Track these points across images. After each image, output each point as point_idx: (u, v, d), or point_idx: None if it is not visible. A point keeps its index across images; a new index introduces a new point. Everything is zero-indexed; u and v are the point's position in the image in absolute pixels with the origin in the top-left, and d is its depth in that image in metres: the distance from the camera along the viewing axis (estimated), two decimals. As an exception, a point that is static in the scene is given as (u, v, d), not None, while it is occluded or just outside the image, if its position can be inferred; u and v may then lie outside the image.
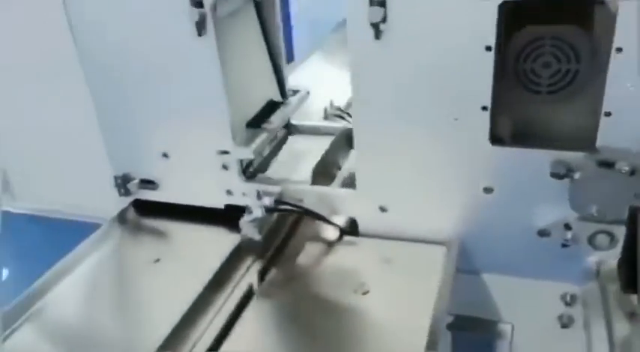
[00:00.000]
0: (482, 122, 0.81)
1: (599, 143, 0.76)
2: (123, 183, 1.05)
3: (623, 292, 0.78)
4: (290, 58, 1.76)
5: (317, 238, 0.97)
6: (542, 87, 0.80)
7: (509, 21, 0.76)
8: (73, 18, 0.94)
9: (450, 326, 0.95)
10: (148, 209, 1.08)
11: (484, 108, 0.80)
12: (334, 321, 0.80)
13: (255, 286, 0.88)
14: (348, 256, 0.93)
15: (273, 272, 0.92)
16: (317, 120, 1.23)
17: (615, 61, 0.71)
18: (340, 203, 0.95)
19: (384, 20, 0.78)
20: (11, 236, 1.00)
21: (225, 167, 0.98)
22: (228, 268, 0.92)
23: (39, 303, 0.87)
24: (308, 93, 1.15)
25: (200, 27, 0.87)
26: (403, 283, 0.86)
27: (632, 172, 0.74)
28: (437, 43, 0.78)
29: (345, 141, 1.13)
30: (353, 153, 1.14)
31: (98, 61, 0.97)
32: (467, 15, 0.75)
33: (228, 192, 1.00)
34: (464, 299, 0.91)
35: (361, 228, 0.95)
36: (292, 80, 1.15)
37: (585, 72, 0.78)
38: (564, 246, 0.84)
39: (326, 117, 1.23)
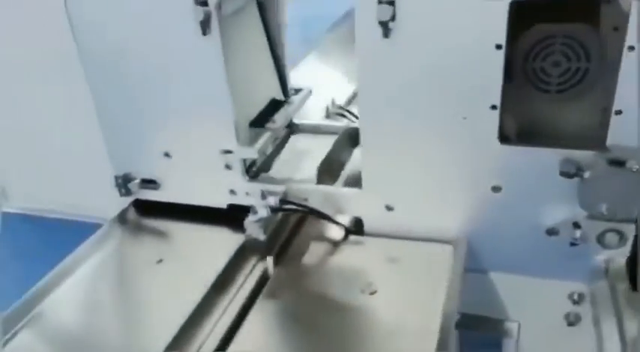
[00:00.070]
0: (492, 121, 0.80)
1: (609, 141, 0.76)
2: (124, 183, 1.03)
3: (632, 290, 0.78)
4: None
5: (322, 238, 0.96)
6: (551, 86, 0.80)
7: (515, 19, 0.76)
8: (73, 17, 0.93)
9: (456, 325, 0.95)
10: (148, 209, 1.07)
11: (493, 107, 0.79)
12: (342, 322, 0.80)
13: (271, 269, 0.87)
14: (354, 256, 0.92)
15: (278, 272, 0.91)
16: (316, 119, 1.22)
17: (627, 60, 0.71)
18: (346, 202, 0.94)
19: (392, 18, 0.77)
20: (6, 236, 0.99)
21: (228, 166, 0.97)
22: (232, 268, 0.91)
23: (40, 306, 0.85)
24: (310, 91, 1.14)
25: (205, 26, 0.86)
26: (411, 283, 0.85)
27: (643, 171, 0.74)
28: (446, 41, 0.77)
29: (348, 139, 1.12)
30: (356, 151, 1.14)
31: (99, 60, 0.95)
32: (477, 13, 0.74)
33: (232, 192, 0.99)
34: (470, 297, 0.90)
35: (367, 227, 0.95)
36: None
37: (594, 70, 0.77)
38: (573, 244, 0.84)
39: (328, 115, 1.22)
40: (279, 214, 0.96)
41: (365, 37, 0.80)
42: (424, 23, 0.77)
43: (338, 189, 0.98)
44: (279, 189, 0.96)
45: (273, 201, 0.92)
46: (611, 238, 0.81)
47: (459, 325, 0.94)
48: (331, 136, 1.12)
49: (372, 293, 0.83)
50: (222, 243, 0.98)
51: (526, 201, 0.84)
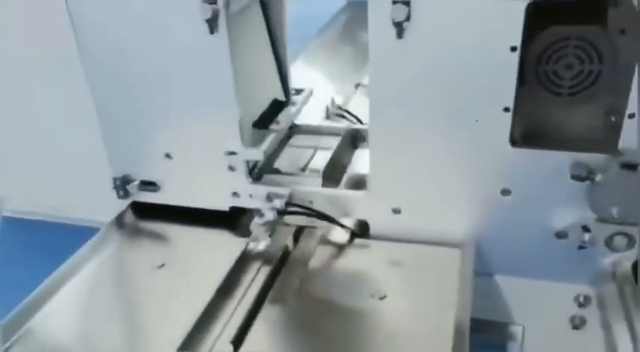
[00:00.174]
0: (504, 123, 0.80)
1: (621, 145, 0.77)
2: (122, 185, 1.01)
3: None
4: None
5: (326, 241, 0.95)
6: (563, 88, 0.80)
7: (528, 22, 0.76)
8: (74, 16, 0.90)
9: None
10: (145, 211, 1.04)
11: (506, 109, 0.79)
12: (354, 327, 0.79)
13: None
14: (361, 259, 0.91)
15: (283, 277, 0.89)
16: (315, 120, 1.21)
17: None
18: (351, 205, 0.93)
19: (407, 19, 0.76)
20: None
21: (231, 168, 0.95)
22: (236, 272, 0.90)
23: (39, 314, 0.83)
24: (311, 92, 1.13)
25: (212, 24, 0.84)
26: (420, 287, 0.84)
27: (656, 174, 0.75)
28: (460, 42, 0.77)
29: (350, 141, 1.11)
30: (357, 153, 1.13)
31: (100, 59, 0.93)
32: (493, 14, 0.74)
33: (234, 194, 0.97)
34: (475, 300, 0.90)
35: (372, 230, 0.94)
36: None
37: (607, 73, 0.78)
38: (581, 247, 0.84)
39: (328, 116, 1.21)
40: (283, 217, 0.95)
41: (378, 38, 0.79)
42: (439, 24, 0.76)
43: (344, 191, 0.97)
44: (284, 191, 0.94)
45: (279, 203, 0.90)
46: (620, 241, 0.82)
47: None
48: (332, 137, 1.11)
49: (381, 298, 0.82)
50: (225, 246, 0.96)
51: (535, 205, 0.84)
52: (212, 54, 0.87)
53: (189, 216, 1.01)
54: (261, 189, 0.95)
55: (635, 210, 0.77)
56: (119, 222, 1.03)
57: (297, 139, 1.11)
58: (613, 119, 0.86)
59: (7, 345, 0.78)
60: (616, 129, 0.86)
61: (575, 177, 0.79)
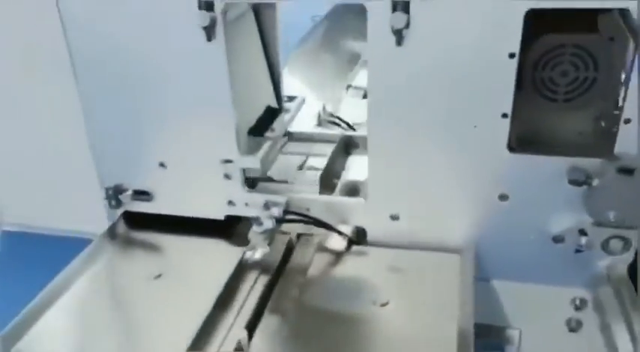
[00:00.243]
0: (502, 129, 0.81)
1: (617, 149, 0.78)
2: (114, 195, 0.99)
3: (637, 293, 0.80)
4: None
5: (323, 249, 0.95)
6: (559, 95, 0.81)
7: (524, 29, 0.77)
8: (65, 19, 0.89)
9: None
10: (136, 221, 1.03)
11: (504, 115, 0.80)
12: (357, 335, 0.78)
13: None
14: (360, 267, 0.91)
15: (281, 286, 0.89)
16: (307, 127, 1.21)
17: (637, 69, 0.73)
18: (349, 212, 0.93)
19: (407, 26, 0.77)
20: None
21: (227, 176, 0.94)
22: (234, 282, 0.89)
23: (32, 331, 0.80)
24: (304, 99, 1.12)
25: (209, 31, 0.83)
26: (421, 293, 0.84)
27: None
28: (459, 49, 0.77)
29: (344, 148, 1.11)
30: (350, 160, 1.13)
31: (93, 66, 0.91)
32: (492, 22, 0.75)
33: (230, 203, 0.96)
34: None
35: (370, 236, 0.94)
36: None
37: (602, 80, 0.79)
38: (578, 251, 0.85)
39: (319, 123, 1.21)
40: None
41: (377, 46, 0.80)
42: (438, 31, 0.77)
43: (341, 198, 0.97)
44: (281, 199, 0.94)
45: (277, 211, 0.90)
46: (616, 244, 0.83)
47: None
48: (325, 144, 1.11)
49: (383, 305, 0.82)
50: (220, 255, 0.95)
51: (533, 209, 0.85)
52: (209, 61, 0.86)
53: (181, 225, 1.00)
54: (257, 197, 0.95)
55: (631, 213, 0.78)
56: (111, 232, 1.01)
57: (290, 146, 1.11)
58: (603, 124, 0.88)
59: None
60: (606, 135, 0.88)
61: (572, 182, 0.80)
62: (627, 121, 0.76)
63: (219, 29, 0.84)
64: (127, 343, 0.79)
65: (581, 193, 0.81)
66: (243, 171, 0.95)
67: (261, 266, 0.92)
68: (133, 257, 0.97)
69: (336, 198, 0.98)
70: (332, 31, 1.95)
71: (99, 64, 0.91)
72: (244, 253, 0.94)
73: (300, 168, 1.05)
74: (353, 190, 1.06)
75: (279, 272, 0.92)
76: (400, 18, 0.76)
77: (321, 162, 1.04)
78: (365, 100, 1.42)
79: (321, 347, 0.77)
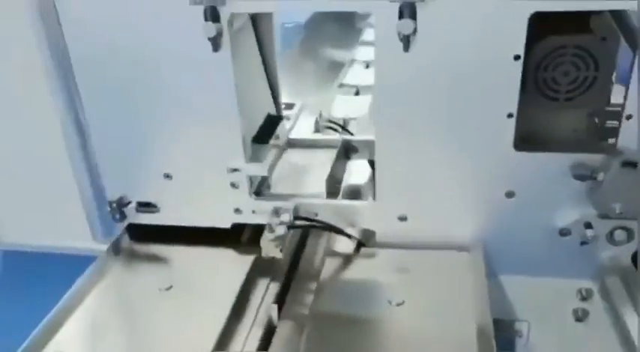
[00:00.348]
0: (508, 129, 0.83)
1: (620, 144, 0.81)
2: (118, 208, 0.98)
3: None
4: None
5: (332, 252, 0.96)
6: (560, 94, 0.84)
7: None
8: (67, 31, 0.88)
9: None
10: (139, 233, 1.02)
11: (510, 115, 0.82)
12: (376, 336, 0.79)
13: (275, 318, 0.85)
14: (370, 268, 0.92)
15: (294, 292, 0.89)
16: (305, 134, 1.22)
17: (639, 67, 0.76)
18: (357, 215, 0.94)
19: (414, 32, 0.78)
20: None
21: (234, 185, 0.95)
22: (247, 291, 0.89)
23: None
24: (302, 106, 1.13)
25: (216, 42, 0.83)
26: (434, 291, 0.86)
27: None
28: (466, 53, 0.79)
29: (344, 153, 1.12)
30: (350, 165, 1.14)
31: (95, 78, 0.90)
32: (497, 26, 0.77)
33: (237, 211, 0.96)
34: None
35: (378, 238, 0.95)
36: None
37: (602, 78, 0.82)
38: (583, 243, 0.88)
39: (317, 129, 1.22)
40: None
41: (385, 52, 0.81)
42: (445, 36, 0.79)
43: (349, 202, 0.98)
44: (289, 205, 0.94)
45: (287, 217, 0.90)
46: (620, 235, 0.86)
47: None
48: (325, 150, 1.12)
49: (399, 305, 0.83)
50: (230, 264, 0.96)
51: (539, 205, 0.87)
52: (215, 71, 0.86)
53: (184, 236, 0.99)
54: (264, 205, 0.95)
55: (636, 205, 0.81)
56: (116, 247, 1.00)
57: (291, 153, 1.12)
58: (597, 121, 0.91)
59: None
60: (600, 130, 0.91)
61: (577, 177, 0.83)
62: (629, 117, 0.79)
63: (226, 39, 0.84)
64: None
65: (586, 187, 0.84)
66: (250, 178, 0.95)
67: (270, 273, 0.92)
68: (140, 270, 0.96)
69: (344, 201, 0.99)
70: (311, 38, 1.96)
71: (101, 77, 0.90)
72: (253, 260, 0.94)
73: (302, 173, 1.05)
74: (355, 193, 1.08)
75: (290, 278, 0.92)
76: (407, 24, 0.78)
77: (324, 168, 1.05)
78: (357, 97, 1.47)
79: (337, 348, 0.78)
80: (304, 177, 1.05)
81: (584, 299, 0.93)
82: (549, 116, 0.89)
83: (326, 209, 0.95)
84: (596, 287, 0.91)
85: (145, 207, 0.99)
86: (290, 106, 1.13)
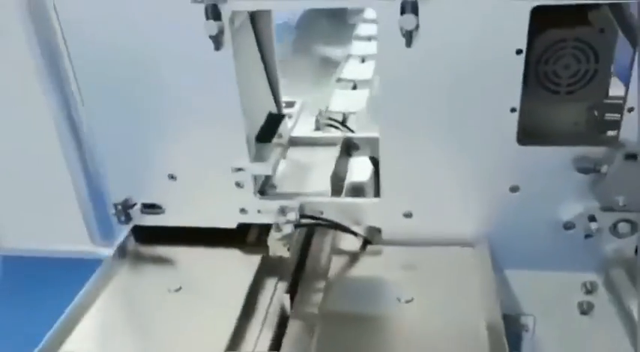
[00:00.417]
0: (511, 123, 0.83)
1: (622, 137, 0.81)
2: (124, 210, 0.98)
3: None
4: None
5: (338, 250, 0.96)
6: (561, 87, 0.84)
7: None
8: (69, 34, 0.87)
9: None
10: (143, 236, 1.02)
11: (513, 109, 0.82)
12: (387, 333, 0.80)
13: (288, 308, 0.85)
14: (377, 265, 0.93)
15: (303, 291, 0.89)
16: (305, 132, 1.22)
17: None
18: (363, 212, 0.95)
19: (416, 28, 0.79)
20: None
21: (238, 185, 0.95)
22: (255, 290, 0.89)
23: None
24: (303, 104, 1.13)
25: (217, 40, 0.83)
26: (442, 287, 0.86)
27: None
28: (468, 48, 0.80)
29: (346, 150, 1.12)
30: (351, 161, 1.14)
31: (97, 80, 0.90)
32: (499, 20, 0.77)
33: (242, 211, 0.97)
34: None
35: (384, 235, 0.95)
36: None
37: (602, 71, 0.82)
38: (588, 236, 0.88)
39: (318, 127, 1.22)
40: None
41: (387, 48, 0.81)
42: (447, 31, 0.79)
43: (355, 200, 0.99)
44: (294, 204, 0.94)
45: (294, 216, 0.90)
46: (624, 227, 0.87)
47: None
48: (325, 147, 1.12)
49: (408, 302, 0.84)
50: (237, 263, 0.96)
51: (543, 199, 0.88)
52: (218, 70, 0.86)
53: (188, 236, 0.99)
54: (269, 204, 0.95)
55: (639, 197, 0.82)
56: (122, 250, 1.00)
57: (293, 151, 1.12)
58: (596, 114, 0.92)
59: None
60: (599, 123, 0.92)
61: (581, 170, 0.83)
62: (630, 110, 0.80)
63: (227, 38, 0.84)
64: None
65: (590, 180, 0.85)
66: (255, 178, 0.95)
67: (278, 271, 0.93)
68: (148, 272, 0.96)
69: (349, 199, 0.99)
70: (303, 38, 1.97)
71: (103, 78, 0.90)
72: (260, 259, 0.94)
73: (305, 171, 1.06)
74: (358, 191, 1.08)
75: (297, 277, 0.92)
76: (410, 20, 0.78)
77: (327, 166, 1.05)
78: (355, 91, 1.48)
79: (350, 346, 0.78)
80: (308, 175, 1.05)
81: (588, 292, 0.93)
82: (550, 110, 0.90)
83: (331, 207, 0.95)
84: (601, 280, 0.92)
85: (150, 208, 0.99)
86: (290, 104, 1.13)
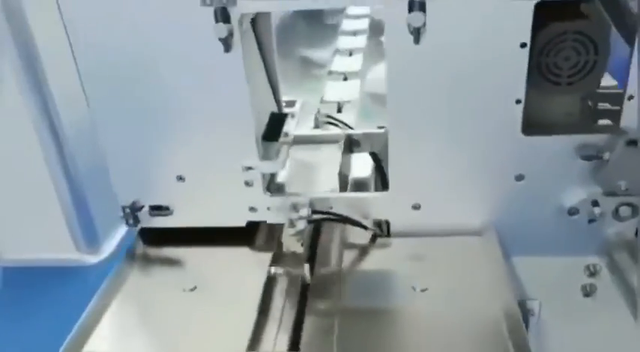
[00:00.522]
0: (516, 114, 0.86)
1: (623, 123, 0.85)
2: (132, 212, 0.98)
3: None
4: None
5: (348, 244, 0.98)
6: (562, 78, 0.87)
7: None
8: (74, 36, 0.87)
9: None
10: (149, 238, 1.02)
11: (518, 101, 0.85)
12: (407, 323, 0.82)
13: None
14: (388, 257, 0.94)
15: (315, 285, 0.91)
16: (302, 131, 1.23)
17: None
18: (372, 206, 0.96)
19: (424, 25, 0.81)
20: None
21: (248, 183, 0.95)
22: (270, 289, 0.90)
23: None
24: (302, 103, 1.15)
25: (227, 43, 0.84)
26: (454, 276, 0.89)
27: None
28: (475, 43, 0.82)
29: (348, 147, 1.14)
30: (354, 158, 1.16)
31: (104, 82, 0.90)
32: (504, 15, 0.80)
33: (252, 209, 0.97)
34: None
35: (393, 228, 0.97)
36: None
37: (601, 62, 0.86)
38: (591, 221, 0.92)
39: (317, 125, 1.23)
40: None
41: (395, 45, 0.83)
42: (454, 27, 0.81)
43: (364, 194, 1.00)
44: (303, 200, 0.96)
45: (306, 212, 0.92)
46: (625, 211, 0.90)
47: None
48: (327, 145, 1.13)
49: (423, 291, 0.86)
50: (248, 262, 0.97)
51: (548, 186, 0.91)
52: (227, 71, 0.87)
53: (192, 237, 1.00)
54: (279, 201, 0.96)
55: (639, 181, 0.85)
56: (130, 253, 1.00)
57: (295, 149, 1.13)
58: (590, 103, 0.96)
59: None
60: (593, 112, 0.95)
61: (585, 157, 0.87)
62: (630, 97, 0.83)
63: (237, 39, 0.85)
64: None
65: (593, 167, 0.88)
66: (264, 176, 0.96)
67: (290, 267, 0.94)
68: (160, 273, 0.96)
69: (358, 193, 1.01)
70: (284, 40, 1.98)
71: (110, 81, 0.90)
72: (272, 257, 0.95)
73: (309, 169, 1.07)
74: (361, 186, 1.10)
75: (310, 272, 0.94)
76: (418, 17, 0.80)
77: (330, 163, 1.07)
78: (346, 82, 1.52)
79: (372, 341, 0.79)
80: (314, 172, 1.06)
81: (592, 274, 0.97)
82: (551, 101, 0.93)
83: (340, 202, 0.97)
84: (604, 263, 0.95)
85: (158, 210, 0.99)
86: (291, 104, 1.14)
